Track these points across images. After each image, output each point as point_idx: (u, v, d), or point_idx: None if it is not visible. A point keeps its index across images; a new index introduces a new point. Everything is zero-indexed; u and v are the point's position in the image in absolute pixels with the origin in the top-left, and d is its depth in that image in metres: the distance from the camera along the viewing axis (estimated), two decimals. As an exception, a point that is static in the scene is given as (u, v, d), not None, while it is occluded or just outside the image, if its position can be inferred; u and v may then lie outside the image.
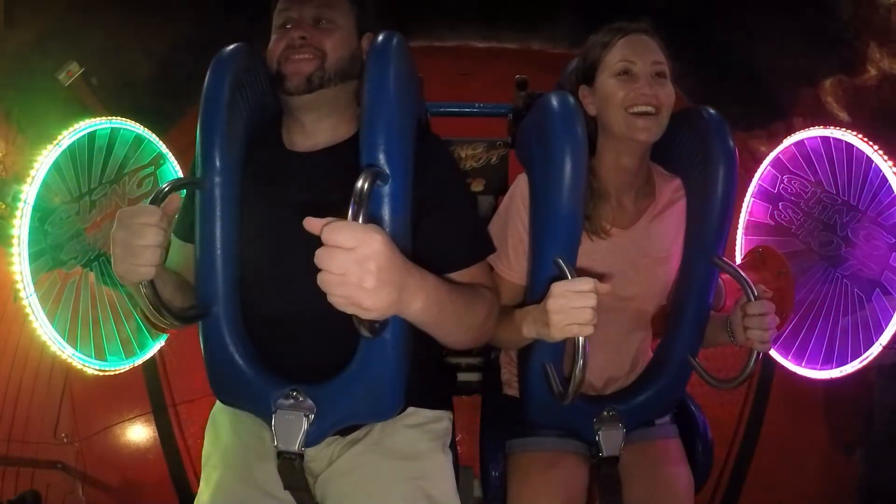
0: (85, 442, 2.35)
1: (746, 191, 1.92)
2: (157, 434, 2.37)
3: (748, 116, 2.38)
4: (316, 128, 1.16)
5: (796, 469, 2.30)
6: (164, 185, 0.96)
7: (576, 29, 2.42)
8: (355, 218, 0.75)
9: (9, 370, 2.16)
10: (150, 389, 2.39)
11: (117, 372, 1.70)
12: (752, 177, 1.92)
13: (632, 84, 1.15)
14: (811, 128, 1.75)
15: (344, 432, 1.12)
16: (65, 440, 2.32)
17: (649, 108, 1.13)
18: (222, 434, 1.19)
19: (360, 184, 0.77)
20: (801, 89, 2.14)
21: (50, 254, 1.55)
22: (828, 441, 2.31)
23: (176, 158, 1.94)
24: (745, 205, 1.93)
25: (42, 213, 1.52)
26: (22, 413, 2.22)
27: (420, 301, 0.84)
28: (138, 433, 2.45)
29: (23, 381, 2.21)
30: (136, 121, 1.81)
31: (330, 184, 1.04)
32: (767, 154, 1.90)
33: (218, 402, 1.23)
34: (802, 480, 2.27)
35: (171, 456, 2.27)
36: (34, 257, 1.49)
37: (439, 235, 1.05)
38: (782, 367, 1.81)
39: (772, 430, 2.40)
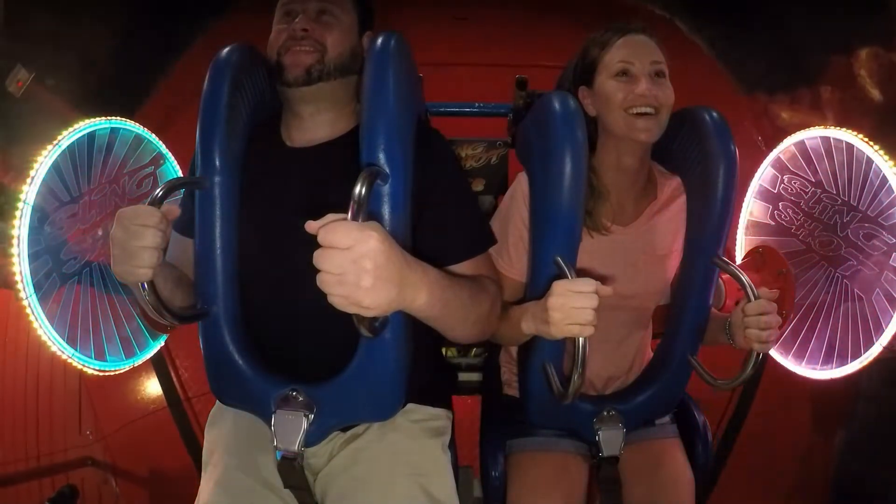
0: (110, 437, 2.38)
1: (746, 191, 1.92)
2: (175, 426, 2.41)
3: (771, 76, 2.22)
4: (314, 121, 1.16)
5: (776, 459, 2.28)
6: (163, 186, 0.96)
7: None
8: (354, 218, 0.75)
9: (24, 372, 2.18)
10: (164, 384, 2.42)
11: (118, 372, 1.70)
12: (753, 177, 1.91)
13: (631, 85, 1.15)
14: (811, 128, 1.75)
15: (344, 428, 1.13)
16: (90, 436, 2.34)
17: (649, 109, 1.13)
18: (224, 431, 1.19)
19: (358, 184, 0.77)
20: (832, 56, 1.97)
21: (49, 254, 1.54)
22: (811, 433, 2.28)
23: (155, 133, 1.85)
24: (745, 205, 1.93)
25: (41, 214, 1.52)
26: (45, 416, 2.24)
27: (423, 296, 0.84)
28: (159, 426, 2.47)
29: (39, 384, 2.23)
30: (103, 107, 1.67)
31: (329, 179, 1.04)
32: (788, 122, 1.81)
33: (218, 403, 1.23)
34: (781, 470, 2.26)
35: (192, 446, 2.31)
36: (33, 258, 1.49)
37: (441, 228, 1.06)
38: (772, 363, 1.80)
39: (756, 422, 2.38)
